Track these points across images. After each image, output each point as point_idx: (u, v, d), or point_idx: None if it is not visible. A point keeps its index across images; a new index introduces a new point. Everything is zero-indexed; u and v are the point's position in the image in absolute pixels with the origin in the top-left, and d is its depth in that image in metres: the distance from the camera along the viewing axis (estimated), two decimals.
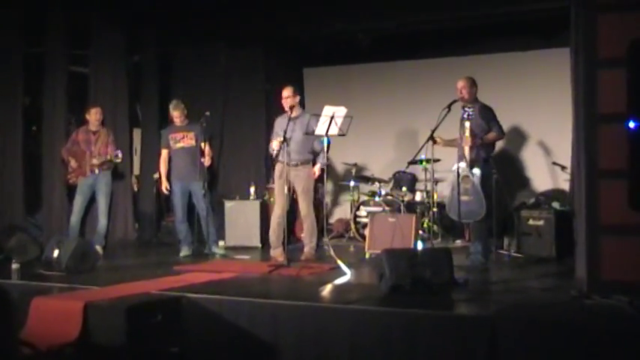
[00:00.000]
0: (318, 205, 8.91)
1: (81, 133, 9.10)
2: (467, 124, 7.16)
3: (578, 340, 4.49)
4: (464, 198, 7.22)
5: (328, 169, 9.35)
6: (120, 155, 8.99)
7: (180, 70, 11.44)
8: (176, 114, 8.89)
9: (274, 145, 8.00)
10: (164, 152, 9.03)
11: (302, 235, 8.48)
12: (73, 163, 8.93)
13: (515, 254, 8.07)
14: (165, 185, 8.95)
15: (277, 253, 8.04)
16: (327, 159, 8.25)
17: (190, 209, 8.92)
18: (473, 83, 7.40)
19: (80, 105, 9.53)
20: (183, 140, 8.85)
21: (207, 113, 8.77)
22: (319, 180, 8.27)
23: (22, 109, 9.29)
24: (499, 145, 8.30)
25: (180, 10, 9.92)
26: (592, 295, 5.22)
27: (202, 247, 8.90)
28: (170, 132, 8.97)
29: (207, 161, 8.79)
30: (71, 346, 4.99)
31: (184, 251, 8.79)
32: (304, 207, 8.15)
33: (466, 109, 7.34)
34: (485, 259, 7.28)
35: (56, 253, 7.24)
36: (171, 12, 10.00)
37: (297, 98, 8.22)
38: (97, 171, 8.98)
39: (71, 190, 9.20)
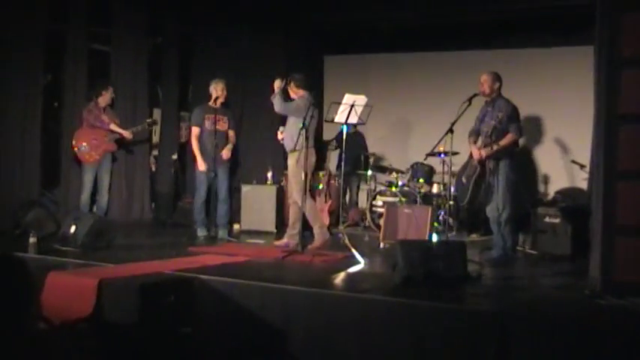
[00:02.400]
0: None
1: (96, 110, 9.22)
2: (492, 122, 7.14)
3: (590, 340, 4.48)
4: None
5: (346, 158, 9.37)
6: (157, 120, 9.52)
7: (201, 53, 11.47)
8: (221, 95, 8.79)
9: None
10: (196, 130, 8.83)
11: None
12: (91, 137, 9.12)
13: (529, 251, 8.05)
14: (201, 164, 8.71)
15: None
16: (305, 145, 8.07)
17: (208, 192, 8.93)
18: (495, 78, 7.35)
19: (101, 83, 9.59)
20: (218, 123, 8.75)
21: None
22: (318, 167, 8.22)
23: (43, 85, 9.36)
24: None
25: None
26: (605, 296, 5.20)
27: (217, 230, 8.92)
28: (206, 112, 8.79)
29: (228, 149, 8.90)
30: (84, 322, 5.04)
31: (202, 231, 8.76)
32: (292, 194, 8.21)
33: (487, 103, 7.35)
34: (513, 253, 7.36)
35: (73, 229, 7.31)
36: None
37: (280, 85, 8.13)
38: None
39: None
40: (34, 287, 2.87)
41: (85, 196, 9.11)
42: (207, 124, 8.72)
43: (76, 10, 9.64)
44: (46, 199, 9.41)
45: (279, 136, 8.37)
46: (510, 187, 7.17)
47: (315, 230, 8.09)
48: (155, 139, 11.29)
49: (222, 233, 8.78)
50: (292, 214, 8.21)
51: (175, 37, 11.21)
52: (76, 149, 9.16)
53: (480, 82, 7.35)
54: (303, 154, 7.80)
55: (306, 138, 7.73)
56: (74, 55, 9.67)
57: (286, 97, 8.25)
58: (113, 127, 9.25)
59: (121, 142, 9.53)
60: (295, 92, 8.17)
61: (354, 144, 10.42)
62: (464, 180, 7.42)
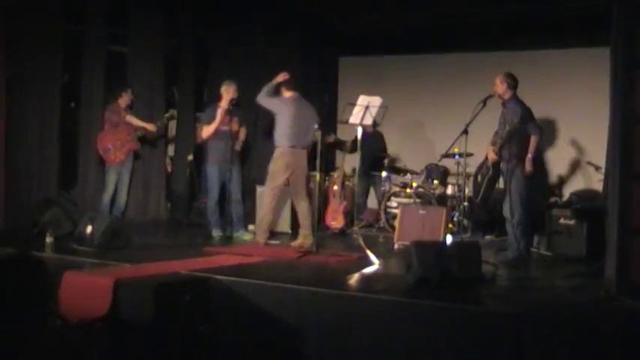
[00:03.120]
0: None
1: (118, 110, 9.36)
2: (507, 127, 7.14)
3: (605, 341, 4.47)
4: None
5: (364, 159, 9.37)
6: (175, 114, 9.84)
7: (217, 54, 11.50)
8: (234, 96, 8.81)
9: None
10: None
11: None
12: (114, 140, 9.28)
13: (544, 252, 8.03)
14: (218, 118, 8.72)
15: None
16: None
17: (221, 193, 8.95)
18: (503, 79, 7.31)
19: (118, 84, 9.67)
20: (231, 124, 8.78)
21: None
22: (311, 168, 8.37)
23: (60, 85, 9.43)
24: None
25: None
26: (621, 297, 5.19)
27: (232, 231, 8.93)
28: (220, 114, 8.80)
29: (238, 146, 8.95)
30: (100, 321, 5.08)
31: (218, 232, 8.79)
32: None
33: (502, 105, 7.34)
34: (527, 254, 7.32)
35: (89, 229, 7.35)
36: None
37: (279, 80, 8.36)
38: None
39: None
40: (52, 286, 2.91)
41: (107, 196, 9.24)
42: (220, 125, 8.74)
43: (94, 11, 9.70)
44: (63, 199, 9.46)
45: None
46: (522, 192, 7.14)
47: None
48: (171, 133, 11.30)
49: (242, 234, 8.82)
50: (300, 214, 8.28)
51: (192, 38, 11.23)
52: (101, 151, 9.26)
53: (494, 84, 7.35)
54: (280, 154, 8.13)
55: (281, 136, 8.17)
56: (92, 56, 9.74)
57: (277, 93, 8.40)
58: (136, 121, 9.40)
59: (142, 139, 9.68)
60: (283, 93, 8.34)
61: (374, 144, 10.43)
62: (479, 178, 7.45)
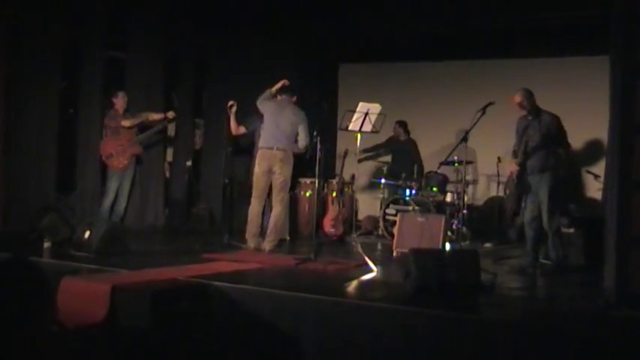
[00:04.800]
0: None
1: (116, 116, 9.35)
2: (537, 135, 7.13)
3: (603, 351, 4.46)
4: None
5: (360, 166, 9.36)
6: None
7: (216, 61, 11.49)
8: None
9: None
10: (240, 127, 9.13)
11: None
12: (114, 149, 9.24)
13: (543, 261, 8.01)
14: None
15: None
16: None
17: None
18: (529, 94, 7.25)
19: (117, 90, 9.67)
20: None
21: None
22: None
23: (59, 91, 9.43)
24: None
25: (219, 1, 9.99)
26: (619, 306, 5.17)
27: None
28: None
29: None
30: (98, 327, 5.06)
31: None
32: None
33: (528, 118, 7.29)
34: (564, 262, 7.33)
35: (87, 234, 7.34)
36: (210, 2, 10.07)
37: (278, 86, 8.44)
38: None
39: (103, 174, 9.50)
40: (49, 291, 2.87)
41: (108, 202, 9.25)
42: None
43: (92, 17, 9.70)
44: (61, 205, 9.45)
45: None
46: (555, 198, 7.12)
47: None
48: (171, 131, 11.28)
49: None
50: (271, 217, 8.27)
51: (191, 45, 11.24)
52: (104, 158, 9.27)
53: (516, 102, 7.26)
54: (256, 156, 8.21)
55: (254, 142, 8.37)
56: (91, 62, 9.73)
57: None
58: (136, 119, 9.43)
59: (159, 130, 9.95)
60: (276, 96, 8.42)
61: (403, 153, 10.45)
62: (507, 193, 7.47)
